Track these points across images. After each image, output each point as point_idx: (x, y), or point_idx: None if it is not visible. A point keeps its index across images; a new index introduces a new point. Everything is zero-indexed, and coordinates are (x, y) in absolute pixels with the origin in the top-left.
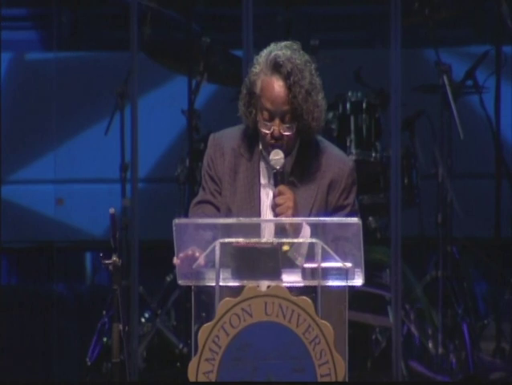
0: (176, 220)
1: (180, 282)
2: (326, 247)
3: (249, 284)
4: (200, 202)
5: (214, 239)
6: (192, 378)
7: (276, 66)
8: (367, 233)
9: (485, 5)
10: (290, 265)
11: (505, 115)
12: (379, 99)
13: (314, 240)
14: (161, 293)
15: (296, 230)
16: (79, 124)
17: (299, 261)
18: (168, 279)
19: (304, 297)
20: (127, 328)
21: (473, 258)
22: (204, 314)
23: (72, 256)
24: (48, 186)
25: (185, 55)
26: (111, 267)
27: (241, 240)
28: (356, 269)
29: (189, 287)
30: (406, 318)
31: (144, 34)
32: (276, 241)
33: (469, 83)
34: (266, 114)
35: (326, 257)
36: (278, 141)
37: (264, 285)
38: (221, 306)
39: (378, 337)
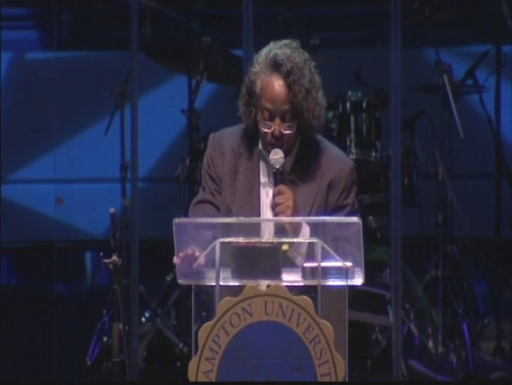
0: (177, 220)
1: (181, 282)
2: (326, 246)
3: (250, 283)
4: (200, 202)
5: (214, 238)
6: (192, 377)
7: (276, 65)
8: (367, 232)
9: (485, 5)
10: (290, 264)
11: (506, 115)
12: (379, 99)
13: (314, 239)
14: (161, 293)
15: (296, 230)
16: (79, 124)
17: (299, 260)
18: (169, 279)
19: (304, 297)
20: (127, 328)
21: (473, 258)
22: (204, 314)
23: (72, 256)
24: (48, 186)
25: (185, 55)
26: (111, 267)
27: (241, 239)
28: (356, 269)
29: (189, 287)
30: (406, 318)
31: (144, 34)
32: (276, 240)
33: (469, 82)
34: (266, 113)
35: (326, 256)
36: (278, 140)
37: (264, 284)
38: (221, 306)
39: (378, 336)
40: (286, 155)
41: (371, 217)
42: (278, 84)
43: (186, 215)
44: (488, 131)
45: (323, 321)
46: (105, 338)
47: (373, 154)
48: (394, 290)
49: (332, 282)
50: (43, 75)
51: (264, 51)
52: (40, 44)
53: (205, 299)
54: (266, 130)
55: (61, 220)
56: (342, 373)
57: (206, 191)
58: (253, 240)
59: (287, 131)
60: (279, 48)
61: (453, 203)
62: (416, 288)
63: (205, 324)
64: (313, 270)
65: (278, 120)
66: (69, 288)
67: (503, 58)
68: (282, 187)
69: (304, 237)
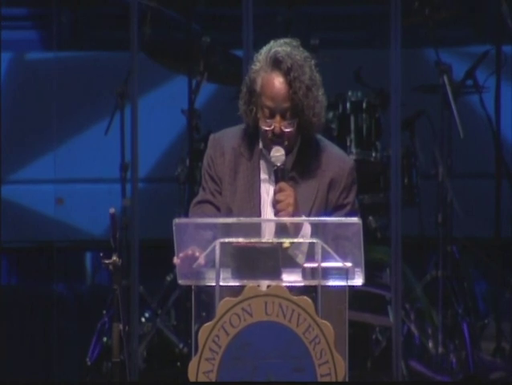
0: (177, 220)
1: (181, 282)
2: (326, 247)
3: (250, 284)
4: (200, 202)
5: (214, 239)
6: (192, 377)
7: (276, 63)
8: (368, 232)
9: (485, 5)
10: (291, 264)
11: (506, 115)
12: (379, 99)
13: (314, 239)
14: (161, 293)
15: (296, 228)
16: (79, 124)
17: (300, 258)
18: (169, 279)
19: (304, 297)
20: (127, 328)
21: (473, 258)
22: (204, 314)
23: (72, 256)
24: (48, 186)
25: (185, 55)
26: (111, 267)
27: (241, 239)
28: (356, 269)
29: (189, 287)
30: (406, 318)
31: (144, 34)
32: (276, 240)
33: (469, 82)
34: (266, 111)
35: (326, 256)
36: (278, 138)
37: (264, 284)
38: (221, 306)
39: (378, 336)
40: (287, 153)
41: (371, 217)
42: (278, 81)
43: (186, 215)
44: (488, 131)
45: (323, 321)
46: (105, 339)
47: (373, 154)
48: (394, 290)
49: (332, 282)
50: (43, 75)
51: (264, 49)
52: (40, 44)
53: (205, 299)
54: (266, 128)
55: (61, 220)
56: (342, 373)
57: (206, 191)
58: (254, 240)
59: (288, 129)
60: (279, 46)
61: (453, 203)
62: (416, 288)
63: (205, 324)
64: (313, 270)
65: (278, 118)
66: (69, 288)
67: (503, 58)
68: (282, 184)
69: (305, 235)
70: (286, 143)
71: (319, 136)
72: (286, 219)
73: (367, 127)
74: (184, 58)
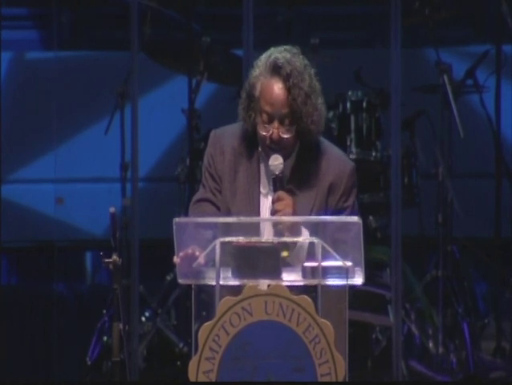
0: (177, 219)
1: (181, 281)
2: (326, 246)
3: (250, 283)
4: (200, 200)
5: (214, 238)
6: (192, 377)
7: (275, 69)
8: (368, 232)
9: (485, 5)
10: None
11: (506, 115)
12: (379, 99)
13: (314, 239)
14: (161, 293)
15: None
16: (79, 124)
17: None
18: (169, 278)
19: (304, 296)
20: (127, 327)
21: (473, 258)
22: (204, 313)
23: (72, 255)
24: (48, 185)
25: (185, 55)
26: (111, 266)
27: (241, 239)
28: (356, 269)
29: (190, 286)
30: (406, 318)
31: (144, 34)
32: (276, 240)
33: (470, 82)
34: (265, 116)
35: (326, 256)
36: (276, 144)
37: (264, 284)
38: (221, 305)
39: (378, 336)
40: (286, 158)
41: (371, 217)
42: (277, 87)
43: (186, 214)
44: (488, 131)
45: (323, 320)
46: (105, 338)
47: (373, 154)
48: (394, 290)
49: (332, 282)
50: (43, 75)
51: (264, 56)
52: (40, 44)
53: (205, 299)
54: (264, 133)
55: (61, 220)
56: (342, 373)
57: (206, 189)
58: (254, 239)
59: (286, 135)
60: (279, 52)
61: (453, 203)
62: (416, 288)
63: (205, 324)
64: (313, 270)
65: (276, 124)
66: (69, 288)
67: (503, 58)
68: (281, 193)
69: (303, 242)
70: (284, 149)
71: (321, 138)
72: (286, 218)
73: (367, 126)
74: (184, 58)
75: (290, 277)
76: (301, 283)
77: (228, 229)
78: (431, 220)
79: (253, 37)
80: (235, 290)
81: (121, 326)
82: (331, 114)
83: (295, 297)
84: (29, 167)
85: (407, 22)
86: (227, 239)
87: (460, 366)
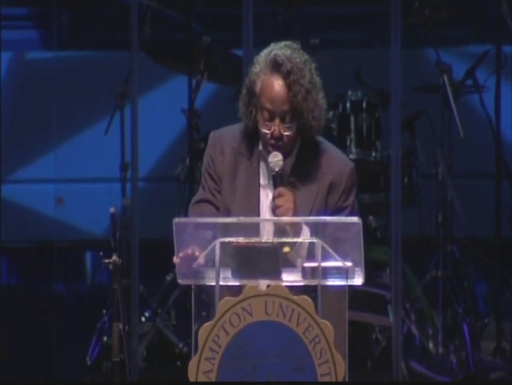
0: (176, 220)
1: (181, 282)
2: (326, 246)
3: (250, 283)
4: (199, 201)
5: (214, 238)
6: (192, 377)
7: (276, 66)
8: (368, 232)
9: (485, 5)
10: (290, 264)
11: (506, 115)
12: (379, 99)
13: (314, 239)
14: (161, 293)
15: (296, 232)
16: (79, 124)
17: (299, 262)
18: (169, 278)
19: (304, 297)
20: (127, 327)
21: (473, 258)
22: (204, 314)
23: (72, 255)
24: (48, 185)
25: (185, 55)
26: (111, 266)
27: (241, 239)
28: (356, 269)
29: (189, 286)
30: (406, 318)
31: (144, 34)
32: (276, 240)
33: (470, 82)
34: (266, 114)
35: (326, 256)
36: (278, 141)
37: (264, 284)
38: (221, 306)
39: (378, 336)
40: (286, 156)
41: (371, 217)
42: (277, 84)
43: (186, 215)
44: (488, 131)
45: (323, 321)
46: (105, 338)
47: (373, 154)
48: (394, 290)
49: (332, 282)
50: (43, 75)
51: (264, 52)
52: (40, 44)
53: (205, 299)
54: (265, 130)
55: (61, 220)
56: (342, 373)
57: (206, 190)
58: (253, 240)
59: (287, 132)
60: (279, 49)
61: (454, 203)
62: (416, 288)
63: (205, 324)
64: (313, 270)
65: (277, 121)
66: (69, 288)
67: (503, 58)
68: (282, 189)
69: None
70: (284, 146)
71: (320, 138)
72: (286, 219)
73: (367, 126)
74: (184, 58)
75: (290, 278)
76: (301, 283)
77: (228, 229)
78: (431, 220)
79: (253, 37)
80: (235, 290)
81: (121, 326)
82: (331, 114)
83: (295, 297)
84: (29, 167)
85: (407, 22)
86: (227, 239)
87: (460, 367)
